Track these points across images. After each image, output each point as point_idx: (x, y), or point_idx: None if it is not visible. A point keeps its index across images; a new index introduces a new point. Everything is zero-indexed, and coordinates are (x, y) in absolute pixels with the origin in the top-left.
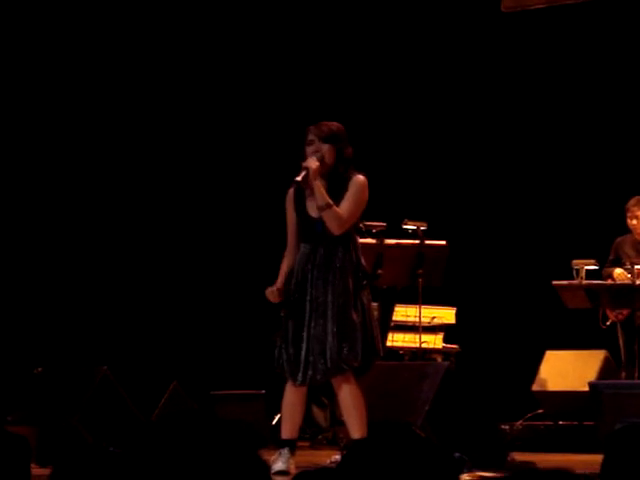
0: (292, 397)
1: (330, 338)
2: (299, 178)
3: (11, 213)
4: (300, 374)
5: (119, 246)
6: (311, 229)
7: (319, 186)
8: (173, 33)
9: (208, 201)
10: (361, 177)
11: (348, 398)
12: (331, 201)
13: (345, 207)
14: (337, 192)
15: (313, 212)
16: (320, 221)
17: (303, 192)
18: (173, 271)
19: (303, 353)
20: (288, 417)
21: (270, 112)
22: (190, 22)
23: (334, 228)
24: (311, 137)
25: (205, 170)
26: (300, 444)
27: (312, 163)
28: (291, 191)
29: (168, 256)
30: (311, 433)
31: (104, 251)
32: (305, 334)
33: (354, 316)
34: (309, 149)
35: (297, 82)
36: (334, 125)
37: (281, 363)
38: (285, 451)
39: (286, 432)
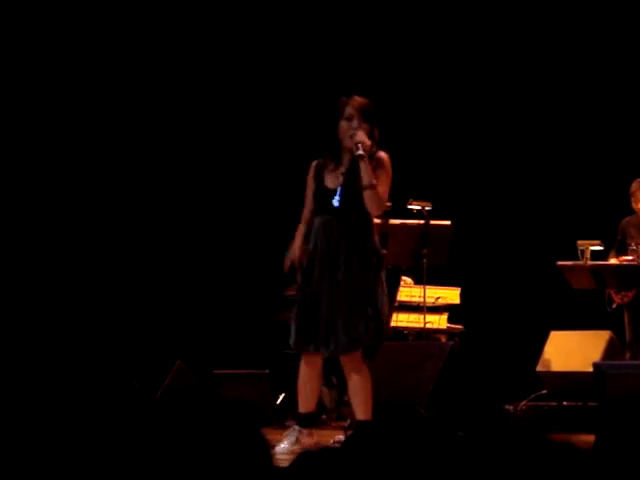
0: (306, 372)
1: (338, 316)
2: (361, 152)
3: (20, 201)
4: (312, 345)
5: (123, 226)
6: (327, 202)
7: (367, 164)
8: (173, 29)
9: (211, 184)
10: (385, 155)
11: (356, 379)
12: (375, 181)
13: (381, 191)
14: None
15: (331, 184)
16: (337, 194)
17: (324, 165)
18: (177, 250)
19: (317, 324)
20: (302, 391)
21: (270, 107)
22: (190, 18)
23: (374, 209)
24: (351, 112)
25: (209, 157)
26: (292, 423)
27: (365, 138)
28: (314, 163)
29: (172, 236)
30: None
31: (108, 232)
32: (319, 308)
33: (363, 294)
34: (348, 124)
35: (297, 74)
36: (371, 103)
37: (296, 335)
38: (294, 429)
39: (301, 406)
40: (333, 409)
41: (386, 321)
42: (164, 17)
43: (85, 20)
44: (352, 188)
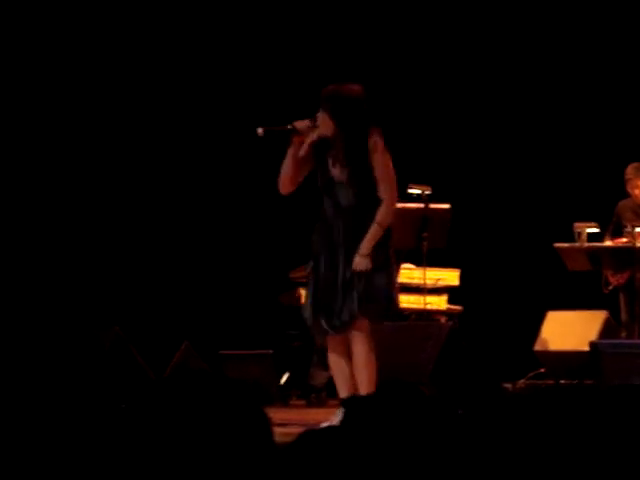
0: (332, 357)
1: (347, 287)
2: (290, 126)
3: (26, 179)
4: (325, 322)
5: (130, 208)
6: (331, 187)
7: (373, 235)
8: (172, 29)
9: (216, 168)
10: (374, 142)
11: (361, 355)
12: (370, 245)
13: (383, 186)
14: (358, 158)
15: (336, 175)
16: (340, 185)
17: (327, 147)
18: (185, 233)
19: (326, 302)
20: (335, 378)
21: (272, 99)
22: (190, 16)
23: (394, 208)
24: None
25: (215, 143)
26: (296, 403)
27: (299, 124)
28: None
29: (179, 218)
30: (304, 392)
31: (115, 212)
32: (325, 288)
33: (374, 269)
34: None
35: (295, 71)
36: (334, 90)
37: (313, 318)
38: (340, 411)
39: (340, 392)
40: (322, 388)
41: (395, 290)
42: (160, 16)
43: (85, 20)
44: (354, 175)
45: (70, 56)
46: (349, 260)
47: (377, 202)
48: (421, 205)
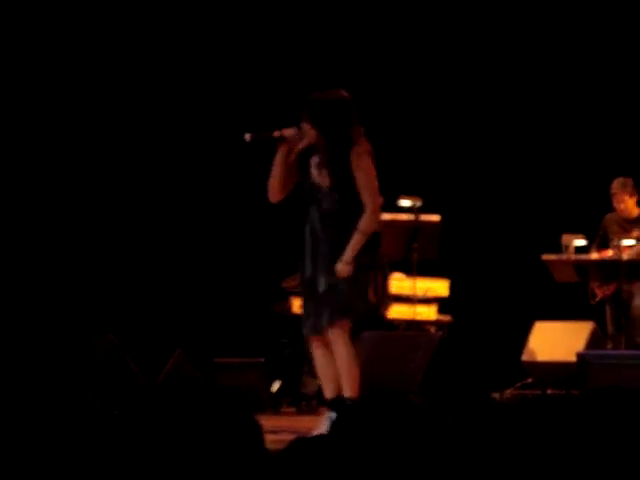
0: (318, 356)
1: (329, 292)
2: (277, 134)
3: (22, 188)
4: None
5: (123, 215)
6: (315, 194)
7: (357, 241)
8: (166, 36)
9: (210, 176)
10: (357, 152)
11: (341, 358)
12: (352, 253)
13: (365, 194)
14: (341, 163)
15: (320, 181)
16: (324, 191)
17: (309, 155)
18: (179, 242)
19: (309, 305)
20: (322, 377)
21: (268, 101)
22: (183, 24)
23: (377, 215)
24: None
25: (208, 151)
26: (287, 410)
27: (285, 131)
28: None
29: (173, 227)
30: (295, 399)
31: (108, 220)
32: (309, 292)
33: (354, 271)
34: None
35: (290, 72)
36: (313, 97)
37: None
38: (327, 415)
39: (327, 392)
40: (314, 396)
41: (379, 294)
42: (161, 19)
43: (85, 20)
44: (337, 180)
45: (70, 58)
46: (332, 265)
47: (360, 208)
48: (412, 217)
